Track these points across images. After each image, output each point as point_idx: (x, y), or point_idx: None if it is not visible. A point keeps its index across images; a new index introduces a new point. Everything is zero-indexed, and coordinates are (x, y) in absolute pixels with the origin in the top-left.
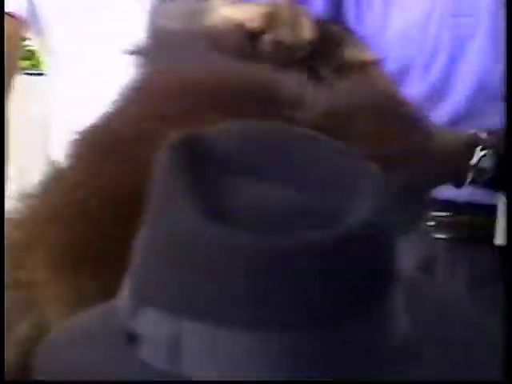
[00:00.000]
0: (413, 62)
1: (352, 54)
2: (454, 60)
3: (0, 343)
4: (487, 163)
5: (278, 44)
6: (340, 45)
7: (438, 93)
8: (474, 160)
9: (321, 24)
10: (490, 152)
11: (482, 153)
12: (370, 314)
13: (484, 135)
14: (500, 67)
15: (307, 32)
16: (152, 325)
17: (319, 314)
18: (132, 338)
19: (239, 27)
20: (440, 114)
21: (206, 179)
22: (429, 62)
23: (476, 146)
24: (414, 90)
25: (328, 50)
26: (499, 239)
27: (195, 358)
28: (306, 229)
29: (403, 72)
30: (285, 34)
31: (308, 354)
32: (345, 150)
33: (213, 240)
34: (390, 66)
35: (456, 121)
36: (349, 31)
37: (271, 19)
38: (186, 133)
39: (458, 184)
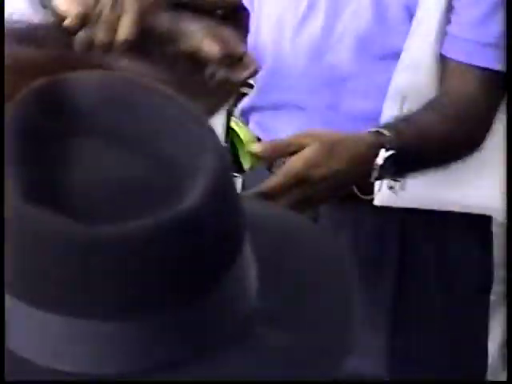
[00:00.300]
0: (288, 21)
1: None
2: (332, 20)
3: (0, 343)
4: (392, 162)
5: (89, 43)
6: (173, 39)
7: (316, 52)
8: (379, 161)
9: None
10: (395, 151)
11: (387, 153)
12: (207, 299)
13: (387, 133)
14: (380, 28)
15: (125, 31)
16: None
17: (137, 302)
18: None
19: (60, 22)
20: (320, 74)
21: (44, 145)
22: (304, 21)
23: (380, 147)
24: (288, 47)
25: (154, 46)
26: (377, 200)
27: (16, 334)
28: (137, 211)
29: (278, 29)
30: (99, 34)
31: (124, 344)
32: (195, 113)
33: (29, 223)
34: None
35: (336, 80)
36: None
37: (86, 18)
38: (33, 87)
39: (363, 183)
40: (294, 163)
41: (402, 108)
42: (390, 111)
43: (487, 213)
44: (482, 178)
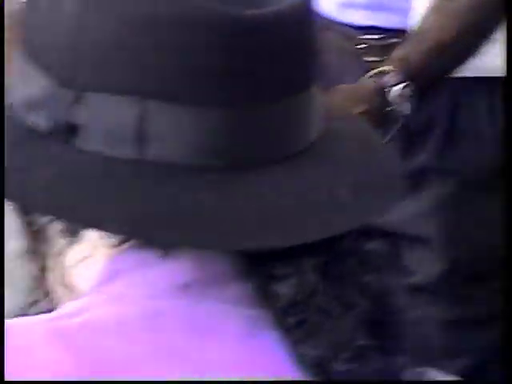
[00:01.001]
0: None
1: None
2: None
3: (0, 343)
4: (408, 89)
5: None
6: None
7: None
8: (393, 94)
9: None
10: (407, 82)
11: (397, 87)
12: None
13: (392, 68)
14: None
15: None
16: (104, 111)
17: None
18: (67, 129)
19: None
20: None
21: None
22: None
23: (383, 88)
24: None
25: None
26: None
27: (159, 140)
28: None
29: None
30: None
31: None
32: None
33: (178, 15)
34: None
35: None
36: None
37: None
38: None
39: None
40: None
41: None
42: None
43: None
44: None
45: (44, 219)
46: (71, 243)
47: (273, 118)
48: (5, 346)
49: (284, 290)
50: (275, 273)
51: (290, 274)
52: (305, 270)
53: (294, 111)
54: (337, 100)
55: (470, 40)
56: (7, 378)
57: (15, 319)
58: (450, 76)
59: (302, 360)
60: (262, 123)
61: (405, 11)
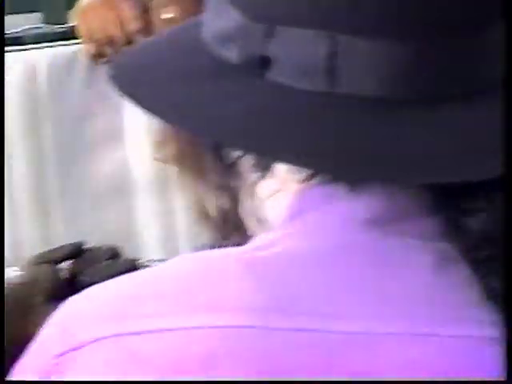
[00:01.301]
0: None
1: None
2: None
3: (0, 343)
4: None
5: None
6: None
7: None
8: None
9: None
10: None
11: None
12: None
13: None
14: None
15: None
16: (295, 44)
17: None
18: (258, 63)
19: None
20: None
21: None
22: None
23: None
24: None
25: None
26: None
27: (350, 73)
28: None
29: None
30: None
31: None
32: None
33: None
34: None
35: None
36: None
37: None
38: None
39: None
40: None
41: None
42: None
43: None
44: None
45: (236, 153)
46: (262, 177)
47: (463, 53)
48: (194, 277)
49: (475, 224)
50: (466, 207)
51: (481, 209)
52: (497, 204)
53: (482, 47)
54: None
55: None
56: (206, 306)
57: (207, 251)
58: None
59: (491, 295)
60: (454, 57)
61: None
